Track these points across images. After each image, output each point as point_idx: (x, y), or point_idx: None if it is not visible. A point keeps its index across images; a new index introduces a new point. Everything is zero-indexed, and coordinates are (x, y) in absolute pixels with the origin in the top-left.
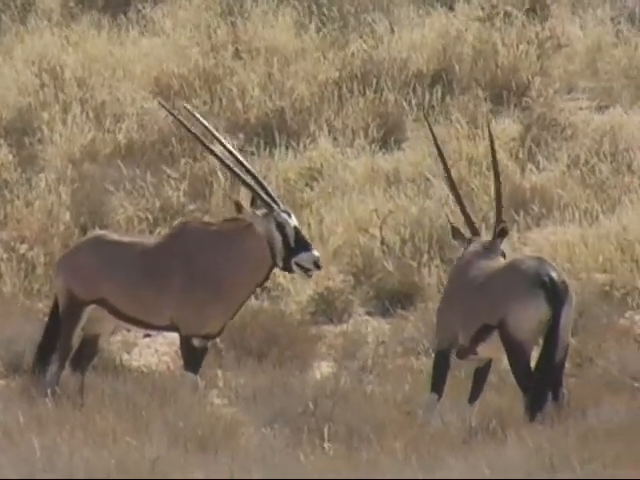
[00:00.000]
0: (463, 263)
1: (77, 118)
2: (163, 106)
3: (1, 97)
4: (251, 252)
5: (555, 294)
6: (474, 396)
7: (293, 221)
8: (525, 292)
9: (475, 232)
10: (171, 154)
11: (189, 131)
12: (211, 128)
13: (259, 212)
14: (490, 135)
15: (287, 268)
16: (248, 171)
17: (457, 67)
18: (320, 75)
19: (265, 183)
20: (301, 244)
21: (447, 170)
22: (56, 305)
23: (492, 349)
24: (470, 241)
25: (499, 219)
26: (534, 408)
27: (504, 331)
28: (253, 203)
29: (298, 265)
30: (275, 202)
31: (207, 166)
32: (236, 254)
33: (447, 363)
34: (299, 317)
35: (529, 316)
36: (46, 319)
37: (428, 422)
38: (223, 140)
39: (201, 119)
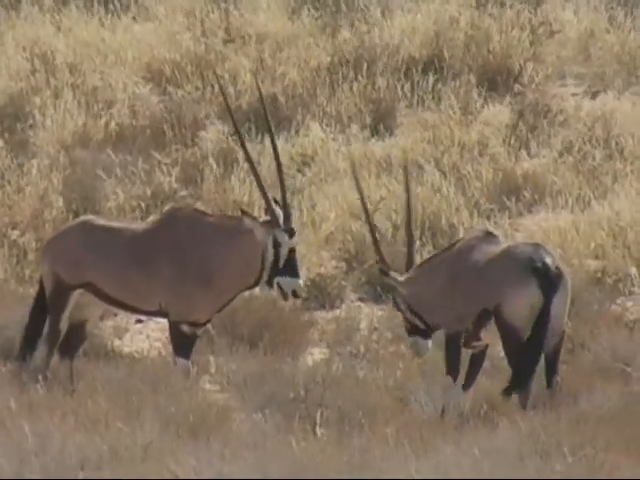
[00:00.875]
0: (465, 248)
1: (69, 104)
2: None
3: None
4: (245, 255)
5: (548, 280)
6: (468, 383)
7: (292, 242)
8: (517, 278)
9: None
10: (162, 140)
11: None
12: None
13: (262, 221)
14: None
15: (269, 283)
16: (281, 181)
17: (450, 53)
18: (312, 61)
19: (287, 199)
20: (290, 268)
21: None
22: (42, 290)
23: (495, 335)
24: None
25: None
26: (514, 390)
27: (499, 317)
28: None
29: (279, 285)
30: (286, 218)
31: (199, 152)
32: (230, 251)
33: (458, 346)
34: (291, 303)
35: (522, 302)
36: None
37: (448, 405)
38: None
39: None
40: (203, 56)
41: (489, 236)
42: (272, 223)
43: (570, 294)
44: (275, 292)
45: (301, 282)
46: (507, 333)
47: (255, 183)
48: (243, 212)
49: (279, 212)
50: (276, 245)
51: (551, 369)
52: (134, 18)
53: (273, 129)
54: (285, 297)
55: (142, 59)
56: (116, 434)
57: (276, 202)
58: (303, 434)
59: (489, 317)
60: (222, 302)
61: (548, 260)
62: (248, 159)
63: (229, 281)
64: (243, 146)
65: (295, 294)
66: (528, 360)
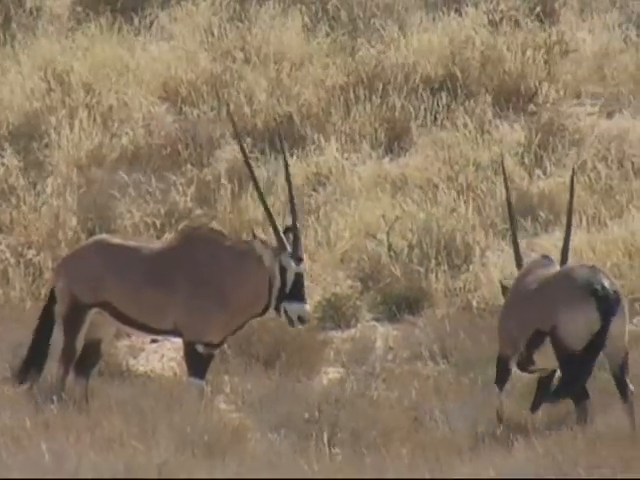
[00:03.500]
0: (523, 272)
1: (84, 123)
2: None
3: (8, 102)
4: (254, 280)
5: (606, 303)
6: (535, 405)
7: (299, 269)
8: (576, 300)
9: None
10: (177, 159)
11: (246, 161)
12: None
13: (270, 248)
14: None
15: (277, 309)
16: (292, 206)
17: (465, 72)
18: (328, 80)
19: (298, 225)
20: (296, 293)
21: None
22: (46, 309)
23: (547, 358)
24: None
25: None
26: (552, 399)
27: (555, 338)
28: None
29: (285, 311)
30: (294, 244)
31: (213, 172)
32: (242, 275)
33: (508, 368)
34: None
35: (579, 324)
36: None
37: (501, 410)
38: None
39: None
40: (219, 75)
41: (544, 260)
42: (281, 248)
43: (627, 316)
44: (283, 319)
45: (307, 307)
46: (564, 355)
47: (263, 208)
48: (254, 236)
49: (286, 238)
50: (282, 270)
51: (622, 385)
52: (150, 37)
53: (287, 154)
54: (291, 323)
55: (158, 78)
56: (131, 453)
57: (289, 229)
58: (318, 454)
59: (542, 339)
60: (234, 325)
61: (607, 283)
62: (255, 184)
63: (241, 304)
64: (250, 170)
65: (301, 320)
66: (576, 376)
